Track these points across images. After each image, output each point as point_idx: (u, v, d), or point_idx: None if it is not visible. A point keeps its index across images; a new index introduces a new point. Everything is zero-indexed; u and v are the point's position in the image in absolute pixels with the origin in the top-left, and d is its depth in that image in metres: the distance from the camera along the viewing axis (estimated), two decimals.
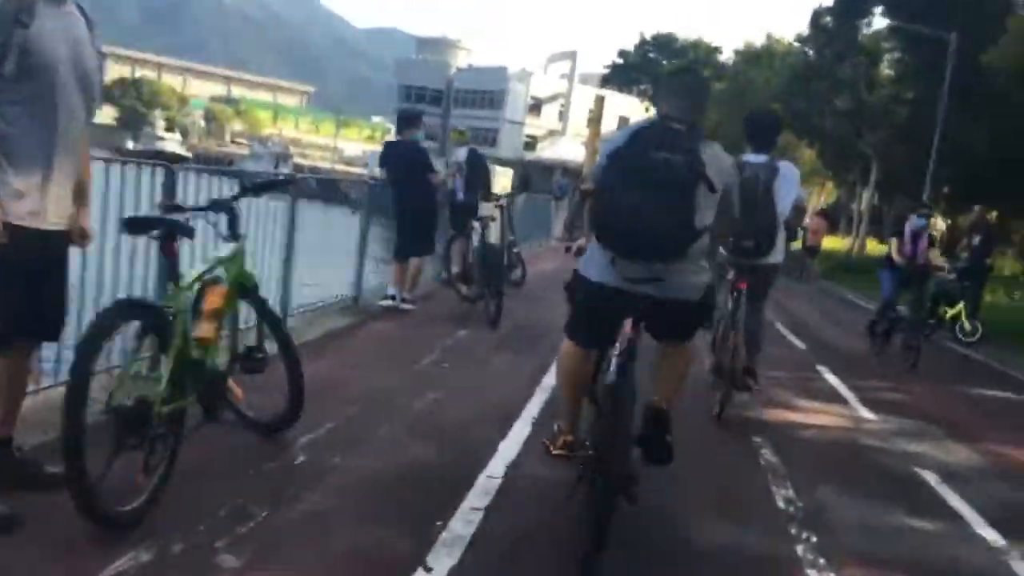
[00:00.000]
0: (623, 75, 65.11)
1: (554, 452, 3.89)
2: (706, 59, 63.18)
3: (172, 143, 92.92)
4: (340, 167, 60.35)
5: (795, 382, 7.60)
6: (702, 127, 3.42)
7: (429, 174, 8.15)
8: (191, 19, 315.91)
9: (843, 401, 7.04)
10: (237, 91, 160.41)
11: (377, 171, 8.32)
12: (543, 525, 3.50)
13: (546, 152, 63.49)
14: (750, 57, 49.70)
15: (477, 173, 9.47)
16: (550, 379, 5.92)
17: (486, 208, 10.09)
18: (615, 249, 3.27)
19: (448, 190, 9.43)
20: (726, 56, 62.13)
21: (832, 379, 7.89)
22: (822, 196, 46.21)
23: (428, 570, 2.93)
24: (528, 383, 5.83)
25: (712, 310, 3.97)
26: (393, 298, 8.12)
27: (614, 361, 3.34)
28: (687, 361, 3.71)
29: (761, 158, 5.44)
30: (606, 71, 67.19)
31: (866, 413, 6.64)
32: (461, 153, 9.50)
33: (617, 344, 3.39)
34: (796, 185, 5.68)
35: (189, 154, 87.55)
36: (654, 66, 63.03)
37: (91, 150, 3.19)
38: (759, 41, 51.47)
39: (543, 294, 10.80)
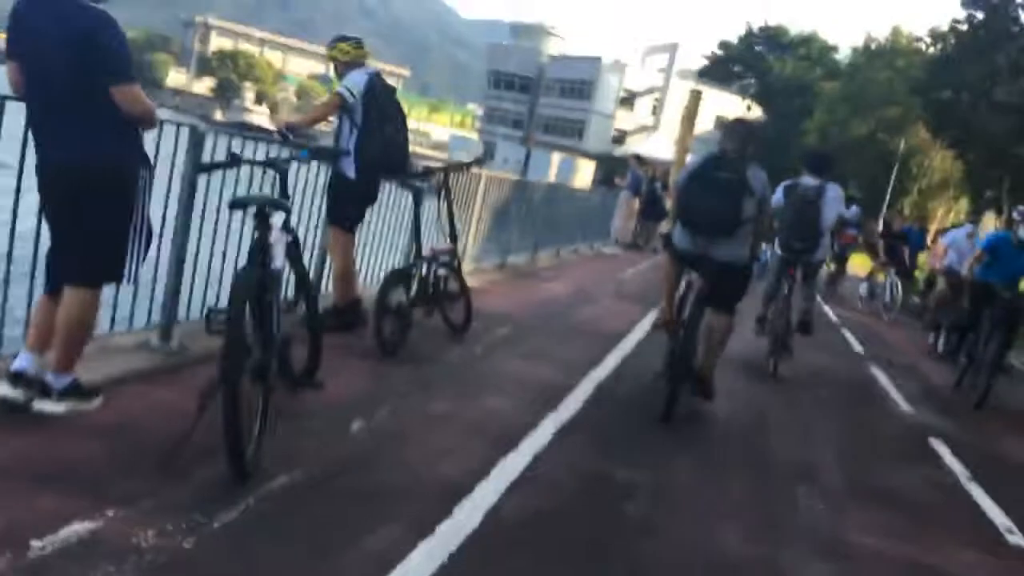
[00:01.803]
0: (723, 69, 59.29)
1: (659, 324, 5.45)
2: (819, 57, 57.00)
3: (258, 116, 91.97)
4: (423, 151, 57.05)
5: None
6: (749, 155, 5.08)
7: (115, 85, 3.05)
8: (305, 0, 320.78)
9: None
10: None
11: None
12: None
13: (635, 148, 58.32)
14: (871, 55, 44.25)
15: (383, 115, 5.07)
16: None
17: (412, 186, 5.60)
18: (692, 228, 5.05)
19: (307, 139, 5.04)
20: (842, 55, 56.18)
21: None
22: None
23: None
24: None
25: (750, 277, 5.32)
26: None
27: (688, 308, 5.21)
28: (727, 330, 5.28)
29: (814, 181, 7.01)
30: (706, 64, 61.49)
31: None
32: (357, 79, 5.05)
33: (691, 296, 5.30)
34: (839, 202, 7.23)
35: (273, 127, 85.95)
36: (759, 61, 57.15)
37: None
38: (882, 36, 45.89)
39: (489, 360, 5.60)
